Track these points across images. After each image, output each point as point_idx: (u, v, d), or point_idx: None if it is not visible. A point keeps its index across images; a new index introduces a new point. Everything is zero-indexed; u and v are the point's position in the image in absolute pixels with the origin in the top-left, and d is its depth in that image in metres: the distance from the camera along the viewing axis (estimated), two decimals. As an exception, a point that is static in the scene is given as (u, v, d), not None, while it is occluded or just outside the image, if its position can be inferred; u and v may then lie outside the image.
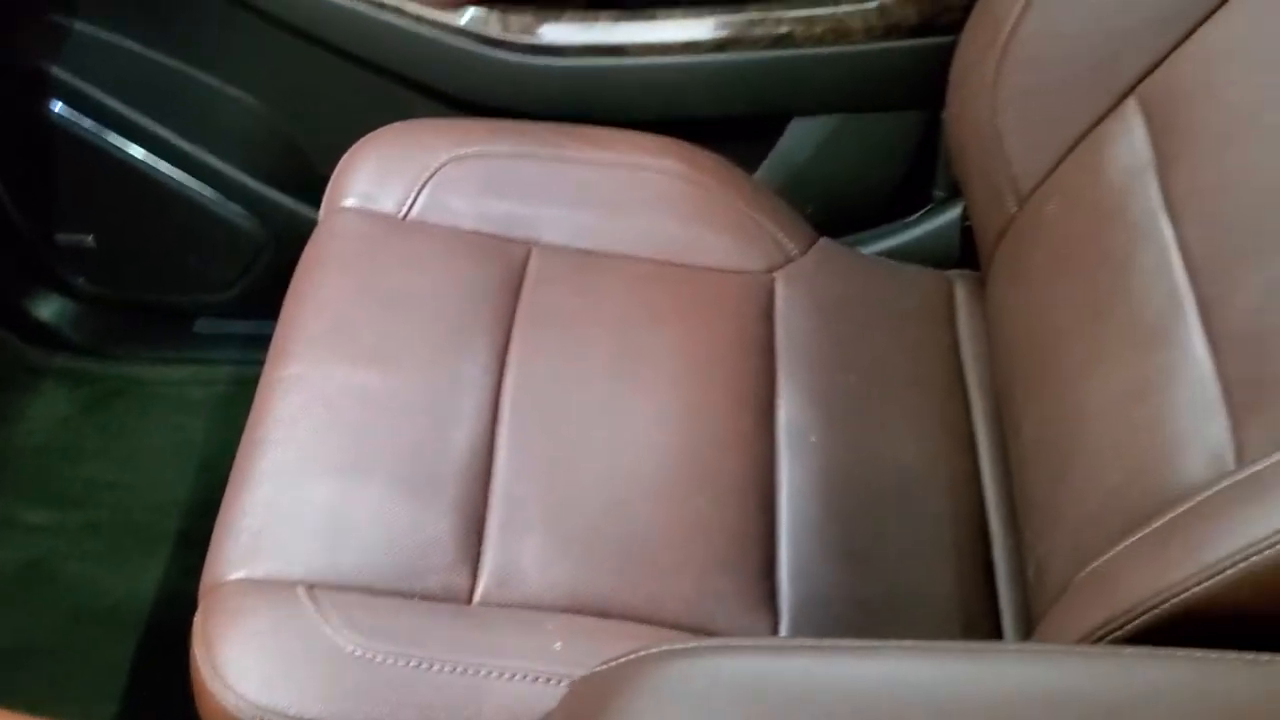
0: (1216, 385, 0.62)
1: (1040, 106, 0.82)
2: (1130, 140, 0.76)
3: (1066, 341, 0.75)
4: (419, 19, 0.97)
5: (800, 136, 1.05)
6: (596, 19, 0.98)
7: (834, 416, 0.84)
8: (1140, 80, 0.77)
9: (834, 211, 1.05)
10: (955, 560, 0.79)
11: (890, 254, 1.04)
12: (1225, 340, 0.63)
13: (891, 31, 0.97)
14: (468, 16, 0.97)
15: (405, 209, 0.89)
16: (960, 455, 0.84)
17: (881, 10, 0.97)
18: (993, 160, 0.86)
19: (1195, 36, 0.74)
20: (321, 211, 0.92)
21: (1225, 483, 0.56)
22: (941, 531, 0.80)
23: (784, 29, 0.97)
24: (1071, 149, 0.81)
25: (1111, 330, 0.71)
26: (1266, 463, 0.55)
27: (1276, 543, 0.50)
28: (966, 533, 0.81)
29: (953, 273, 0.97)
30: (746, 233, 0.92)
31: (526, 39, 0.97)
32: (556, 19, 0.97)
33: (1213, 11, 0.73)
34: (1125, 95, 0.78)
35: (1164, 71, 0.76)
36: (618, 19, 0.98)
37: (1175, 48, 0.75)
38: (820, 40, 0.98)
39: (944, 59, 0.93)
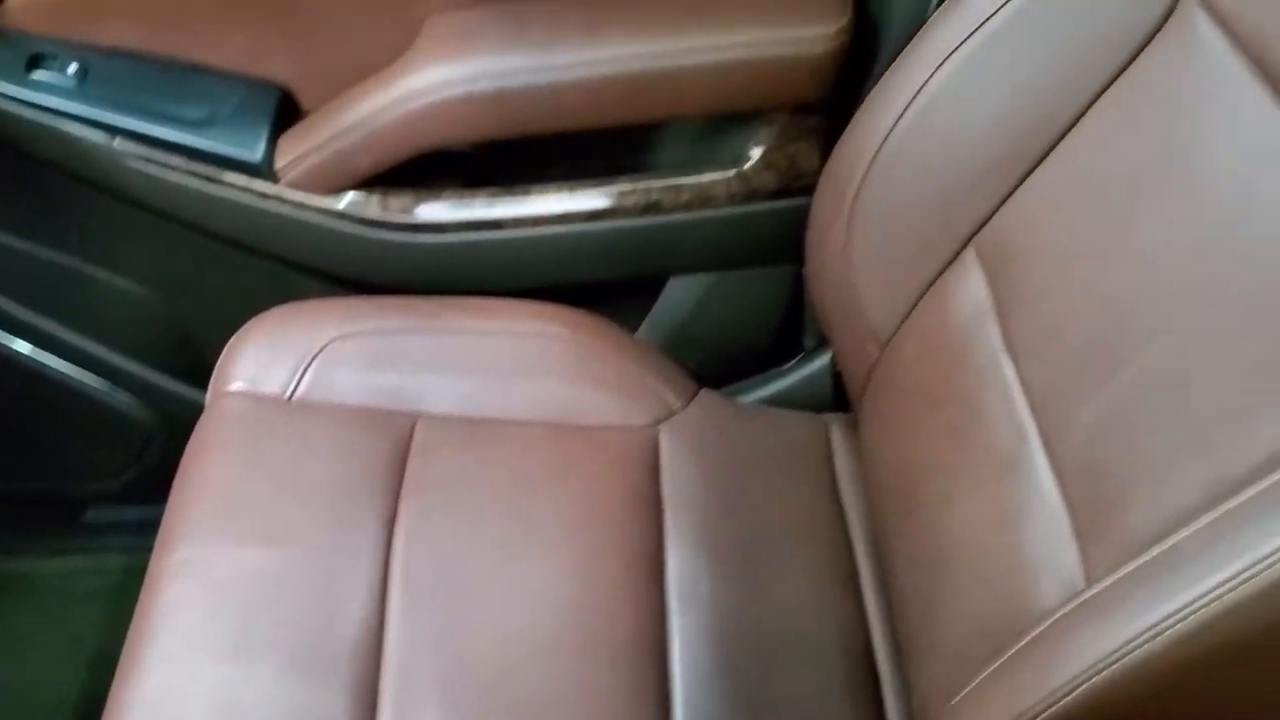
0: (1064, 513, 0.66)
1: (888, 261, 0.88)
2: (971, 288, 0.82)
3: (929, 478, 0.79)
4: (301, 205, 1.00)
5: (678, 294, 1.10)
6: (474, 196, 1.02)
7: (723, 565, 0.86)
8: (975, 232, 0.83)
9: (714, 363, 1.09)
10: (850, 703, 0.81)
11: (769, 401, 1.09)
12: (1067, 471, 0.67)
13: (753, 196, 1.04)
14: (346, 201, 1.00)
15: (291, 389, 0.91)
16: (847, 596, 0.87)
17: (742, 177, 1.03)
18: (852, 311, 0.91)
19: (1019, 191, 0.80)
20: (208, 396, 0.93)
21: (1072, 605, 0.60)
22: (834, 675, 0.82)
23: (653, 198, 1.03)
24: (921, 297, 0.86)
25: (968, 466, 0.75)
26: (1106, 583, 0.58)
27: (1114, 661, 0.53)
28: (858, 674, 0.83)
29: (829, 416, 1.01)
30: (630, 389, 0.95)
31: (406, 219, 1.01)
32: (435, 198, 1.02)
33: (1033, 168, 0.80)
34: (963, 246, 0.84)
35: (995, 224, 0.82)
36: (494, 195, 1.02)
37: (1003, 202, 0.81)
38: (688, 206, 1.03)
39: (804, 219, 0.99)
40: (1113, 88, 0.75)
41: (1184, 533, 0.54)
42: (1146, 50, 0.74)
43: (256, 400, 0.91)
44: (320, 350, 0.92)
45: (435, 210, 1.01)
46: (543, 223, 1.03)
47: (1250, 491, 0.53)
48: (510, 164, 1.04)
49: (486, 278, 1.05)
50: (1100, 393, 0.66)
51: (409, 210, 1.01)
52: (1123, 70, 0.75)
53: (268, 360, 0.92)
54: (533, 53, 0.95)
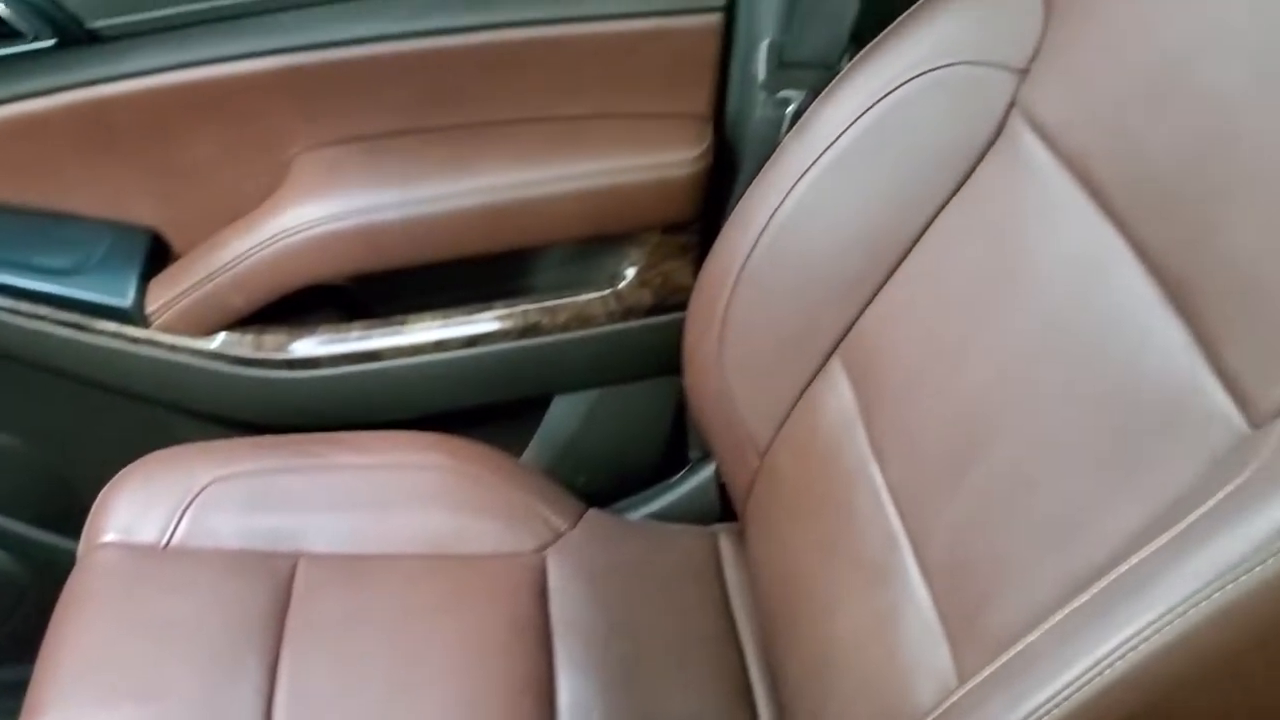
0: (935, 616, 0.68)
1: (761, 371, 0.90)
2: (839, 395, 0.84)
3: (810, 586, 0.80)
4: (174, 348, 1.00)
5: (563, 413, 1.11)
6: (349, 329, 1.03)
7: (614, 688, 0.86)
8: (839, 341, 0.86)
9: (603, 480, 1.10)
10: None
11: (658, 515, 1.10)
12: (935, 573, 0.69)
13: (630, 314, 1.06)
14: (219, 341, 1.00)
15: (166, 537, 0.89)
16: (739, 709, 0.87)
17: (618, 296, 1.05)
18: (730, 421, 0.93)
19: (876, 300, 0.83)
20: (80, 549, 0.91)
21: (944, 706, 0.61)
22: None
23: (531, 320, 1.04)
24: (794, 406, 0.89)
25: (845, 572, 0.77)
26: (973, 684, 0.59)
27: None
28: (753, 785, 0.83)
29: (718, 527, 1.02)
30: (515, 515, 0.95)
31: (282, 355, 1.01)
32: (310, 333, 1.02)
33: (887, 278, 0.83)
34: (829, 355, 0.86)
35: (856, 332, 0.85)
36: (370, 327, 1.03)
37: (862, 311, 0.84)
38: (566, 327, 1.05)
39: (681, 333, 1.01)
40: (954, 200, 0.79)
41: (1039, 631, 0.56)
42: (981, 165, 0.78)
43: (130, 550, 0.89)
44: (197, 495, 0.91)
45: (311, 346, 1.02)
46: (421, 351, 1.03)
47: (1098, 586, 0.55)
48: (386, 294, 1.05)
49: (366, 411, 1.05)
50: (957, 494, 0.68)
51: (284, 347, 1.01)
52: (962, 184, 0.79)
53: (142, 508, 0.90)
54: (401, 187, 0.97)
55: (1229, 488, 0.49)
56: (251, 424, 1.05)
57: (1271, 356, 0.53)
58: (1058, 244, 0.70)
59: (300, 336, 1.02)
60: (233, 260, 0.97)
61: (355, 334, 1.02)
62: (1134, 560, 0.52)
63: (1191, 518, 0.50)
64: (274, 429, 1.02)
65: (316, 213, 0.96)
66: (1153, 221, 0.63)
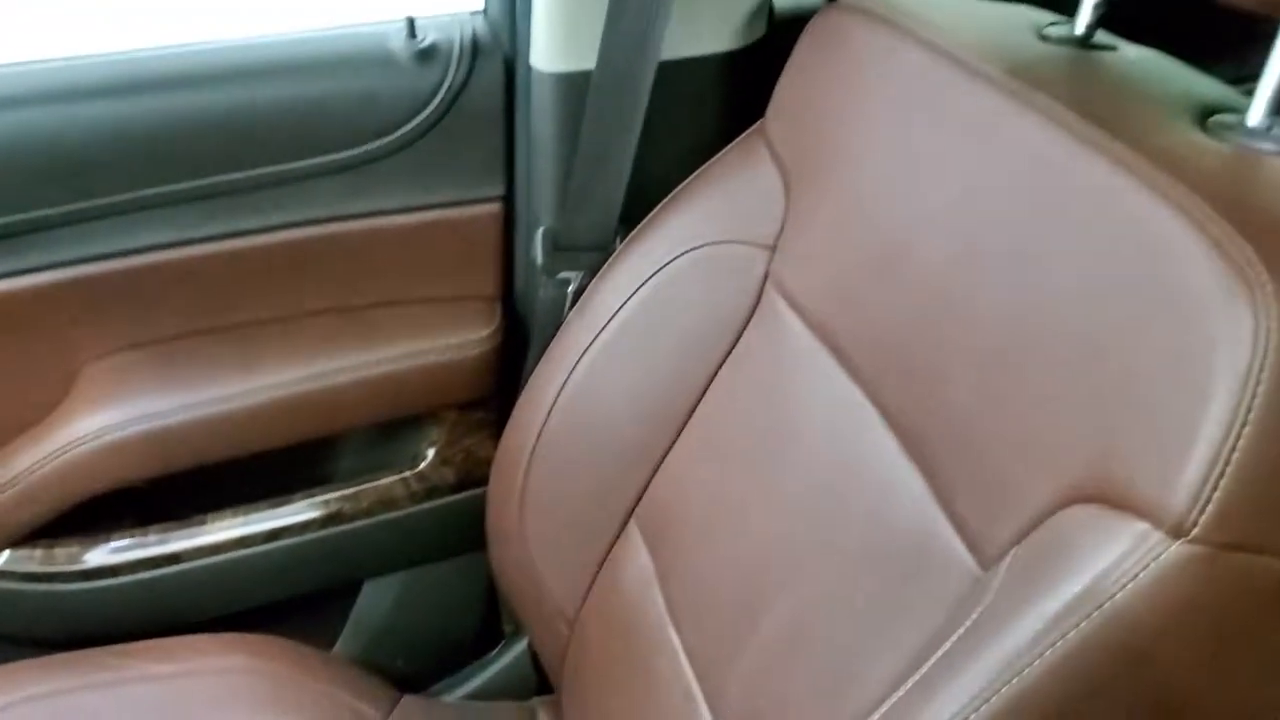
0: (735, 770, 0.70)
1: (561, 542, 0.93)
2: (637, 560, 0.87)
3: (621, 755, 0.81)
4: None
5: (374, 598, 1.11)
6: (146, 534, 1.00)
7: None
8: (634, 506, 0.89)
9: (420, 662, 1.09)
10: None
11: (476, 695, 1.09)
12: (731, 727, 0.72)
13: (434, 493, 1.07)
14: (4, 558, 0.97)
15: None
16: None
17: (420, 476, 1.07)
18: (538, 594, 0.94)
19: (665, 464, 0.88)
20: None
21: None
22: None
23: (334, 508, 1.04)
24: (597, 574, 0.91)
25: (651, 736, 0.79)
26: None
27: None
28: None
29: (535, 701, 1.02)
30: (322, 711, 0.93)
31: (75, 567, 0.98)
32: (105, 541, 0.99)
33: (673, 443, 0.88)
34: (626, 520, 0.90)
35: (649, 497, 0.88)
36: (168, 530, 1.01)
37: (654, 474, 0.89)
38: (370, 512, 1.05)
39: (485, 508, 1.03)
40: (726, 366, 0.85)
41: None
42: (746, 332, 0.84)
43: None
44: (-17, 727, 0.86)
45: (106, 554, 0.99)
46: (223, 549, 1.02)
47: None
48: (183, 493, 1.03)
49: (169, 616, 1.02)
50: (747, 648, 0.71)
51: (77, 559, 0.98)
52: (731, 349, 0.85)
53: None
54: (192, 389, 0.97)
55: (960, 630, 0.54)
56: (47, 642, 1.00)
57: (993, 503, 0.59)
58: (814, 404, 0.76)
59: (94, 545, 0.99)
60: (17, 476, 0.95)
61: (153, 537, 1.00)
62: (885, 706, 0.56)
63: (932, 660, 0.54)
64: (72, 645, 0.98)
65: (105, 420, 0.95)
66: (889, 382, 0.69)
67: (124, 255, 0.92)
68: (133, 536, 1.00)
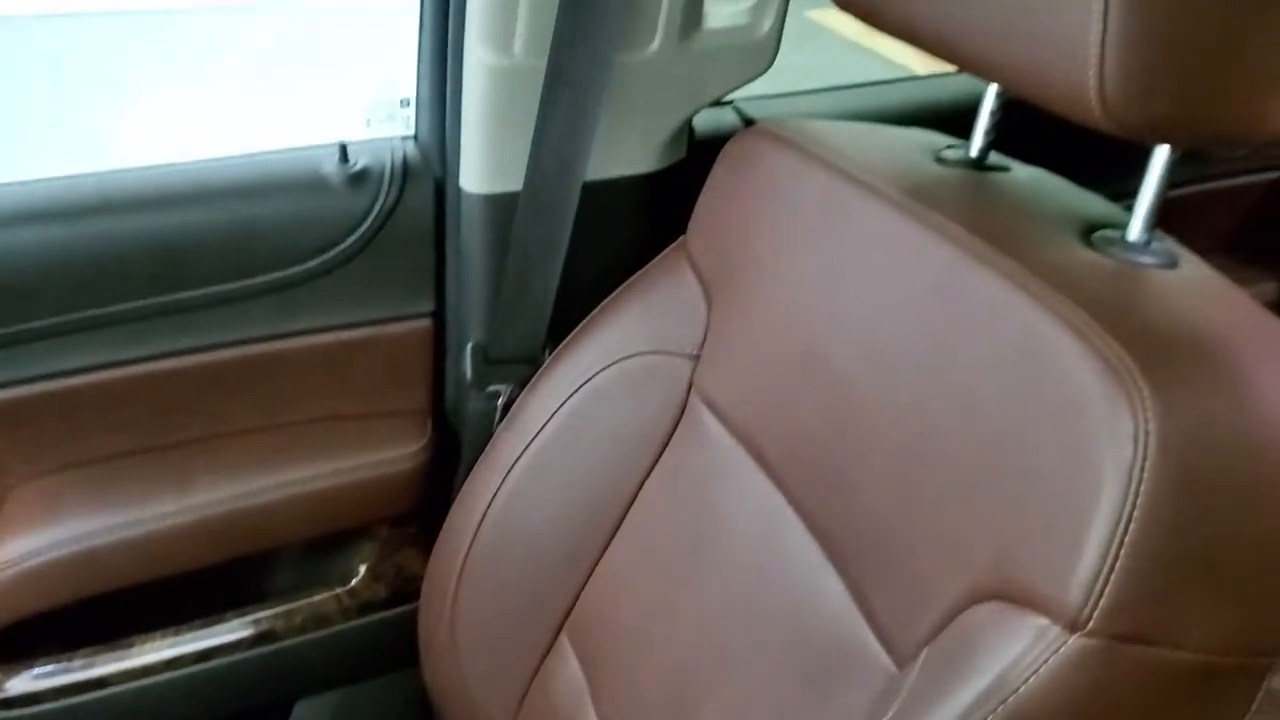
0: None
1: (493, 655, 0.93)
2: (568, 673, 0.88)
3: None
4: None
5: (306, 719, 1.09)
6: (72, 659, 0.99)
7: None
8: (565, 619, 0.90)
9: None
10: None
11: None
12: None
13: (366, 609, 1.07)
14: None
15: None
16: None
17: (352, 593, 1.06)
18: (471, 708, 0.94)
19: (595, 575, 0.89)
20: None
21: None
22: None
23: (265, 627, 1.04)
24: (529, 687, 0.91)
25: None
26: None
27: None
28: None
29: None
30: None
31: (-5, 696, 0.96)
32: (27, 668, 0.97)
33: (602, 554, 0.89)
34: (558, 632, 0.90)
35: (580, 609, 0.89)
36: (94, 654, 0.99)
37: (585, 584, 0.90)
38: (302, 629, 1.05)
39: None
40: (653, 475, 0.87)
41: None
42: (672, 441, 0.87)
43: None
44: None
45: (28, 682, 0.97)
46: (151, 672, 1.00)
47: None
48: (110, 617, 1.02)
49: (94, 743, 1.00)
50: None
51: (-2, 687, 0.96)
52: (658, 457, 0.87)
53: None
54: (121, 509, 0.96)
55: (876, 728, 0.56)
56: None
57: (906, 603, 0.61)
58: (739, 509, 0.78)
59: (16, 673, 0.97)
60: (-60, 602, 0.94)
61: (79, 662, 0.99)
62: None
63: (850, 758, 0.56)
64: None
65: (32, 544, 0.94)
66: (808, 485, 0.72)
67: (58, 377, 0.93)
68: (57, 662, 0.99)
